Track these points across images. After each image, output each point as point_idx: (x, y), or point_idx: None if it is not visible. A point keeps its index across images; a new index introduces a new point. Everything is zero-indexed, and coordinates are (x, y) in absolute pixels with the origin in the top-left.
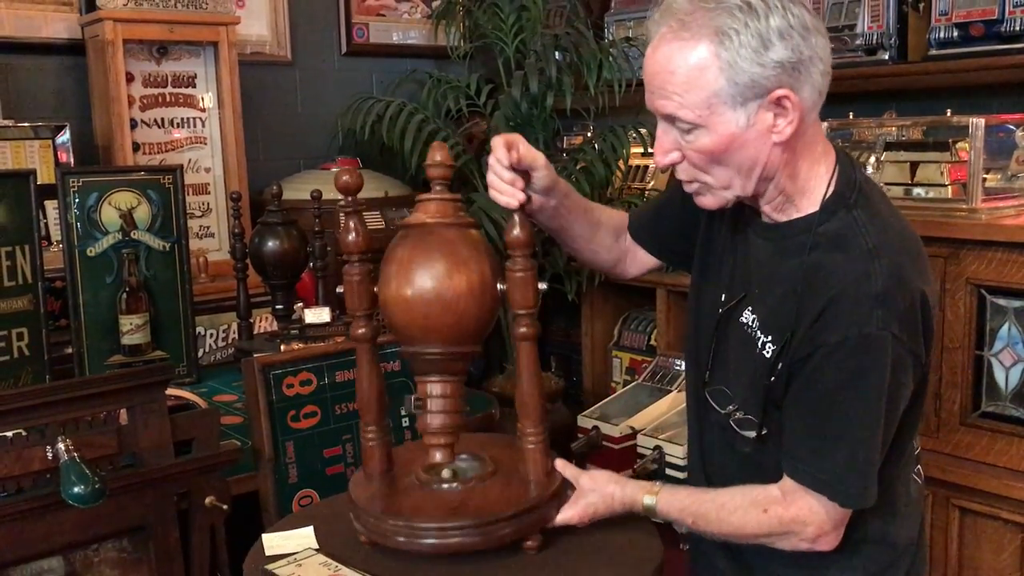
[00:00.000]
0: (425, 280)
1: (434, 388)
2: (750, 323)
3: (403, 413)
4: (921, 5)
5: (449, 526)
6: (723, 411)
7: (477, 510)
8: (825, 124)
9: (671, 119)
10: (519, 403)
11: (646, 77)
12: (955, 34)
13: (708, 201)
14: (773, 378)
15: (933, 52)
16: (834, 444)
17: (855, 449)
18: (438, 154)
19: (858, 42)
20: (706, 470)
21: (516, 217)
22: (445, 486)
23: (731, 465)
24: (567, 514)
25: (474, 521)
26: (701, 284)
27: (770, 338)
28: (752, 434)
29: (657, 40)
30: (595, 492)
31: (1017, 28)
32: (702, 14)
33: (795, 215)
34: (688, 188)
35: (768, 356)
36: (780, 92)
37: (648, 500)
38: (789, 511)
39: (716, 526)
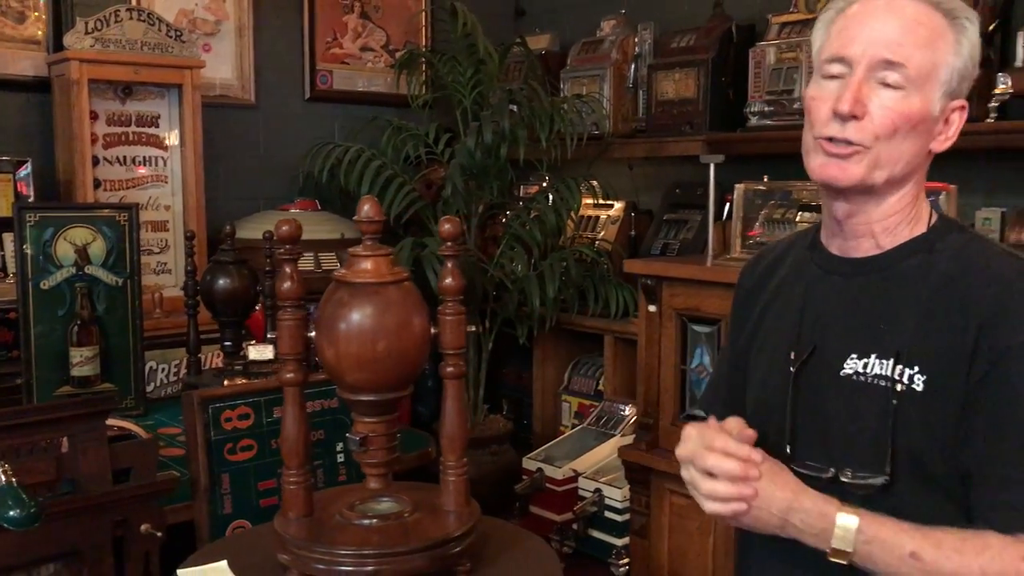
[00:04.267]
0: (363, 336)
1: (371, 427)
2: (865, 369)
3: (339, 449)
4: None
5: (367, 553)
6: (824, 476)
7: (393, 540)
8: (764, 182)
9: (890, 66)
10: (444, 437)
11: (863, 22)
12: None
13: (853, 169)
14: (928, 411)
15: None
16: None
17: None
18: (367, 207)
19: (795, 106)
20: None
21: (449, 265)
22: (366, 521)
23: None
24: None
25: (389, 550)
26: (755, 363)
27: (916, 368)
28: (879, 481)
29: None
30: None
31: None
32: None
33: (903, 239)
34: (835, 149)
35: (921, 388)
36: (962, 102)
37: (846, 516)
38: None
39: (953, 564)
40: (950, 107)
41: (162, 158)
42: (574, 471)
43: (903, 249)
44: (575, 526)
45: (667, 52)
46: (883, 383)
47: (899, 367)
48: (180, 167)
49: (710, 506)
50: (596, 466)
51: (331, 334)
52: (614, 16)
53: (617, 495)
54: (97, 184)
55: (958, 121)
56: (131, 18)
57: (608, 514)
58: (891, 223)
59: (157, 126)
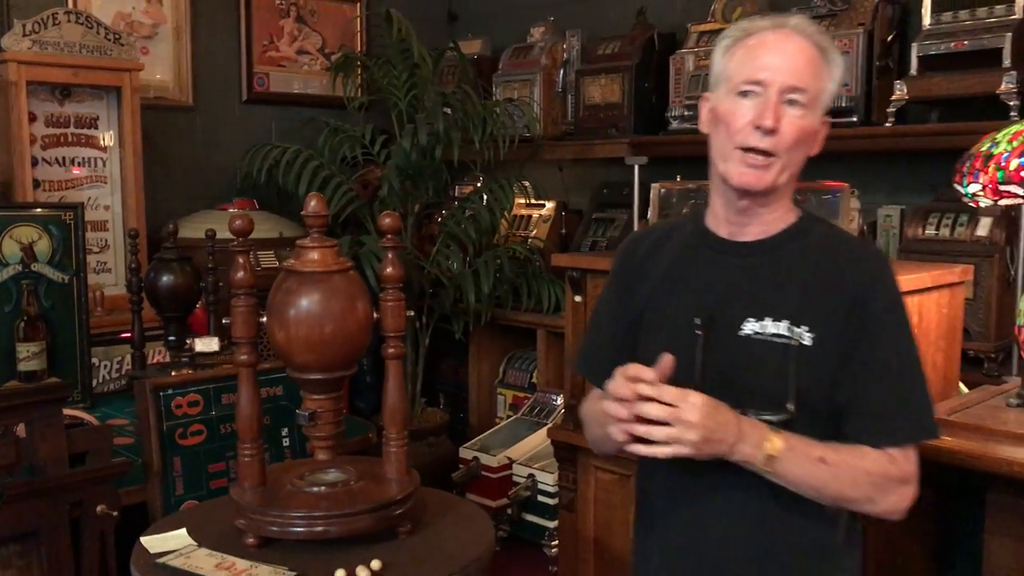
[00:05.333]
0: (311, 320)
1: (319, 403)
2: (761, 330)
3: (284, 434)
4: None
5: (316, 515)
6: None
7: (340, 503)
8: (678, 181)
9: (797, 91)
10: (387, 412)
11: (778, 58)
12: None
13: (767, 176)
14: (817, 362)
15: None
16: (917, 385)
17: (925, 383)
18: (314, 202)
19: None
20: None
21: (389, 256)
22: (315, 489)
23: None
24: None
25: (337, 512)
26: (651, 329)
27: (805, 328)
28: (781, 417)
29: (785, 31)
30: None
31: (843, 105)
32: (822, 35)
33: (781, 227)
34: (754, 160)
35: (810, 344)
36: (827, 118)
37: (773, 438)
38: (908, 466)
39: (848, 465)
40: (821, 121)
41: (101, 159)
42: (509, 459)
43: (784, 235)
44: (510, 511)
45: (594, 58)
46: (779, 339)
47: (792, 326)
48: (119, 168)
49: (656, 451)
50: (529, 453)
51: (282, 319)
52: (543, 23)
53: (549, 480)
54: (36, 185)
55: (824, 131)
56: (69, 21)
57: (541, 498)
58: (776, 215)
59: (96, 127)
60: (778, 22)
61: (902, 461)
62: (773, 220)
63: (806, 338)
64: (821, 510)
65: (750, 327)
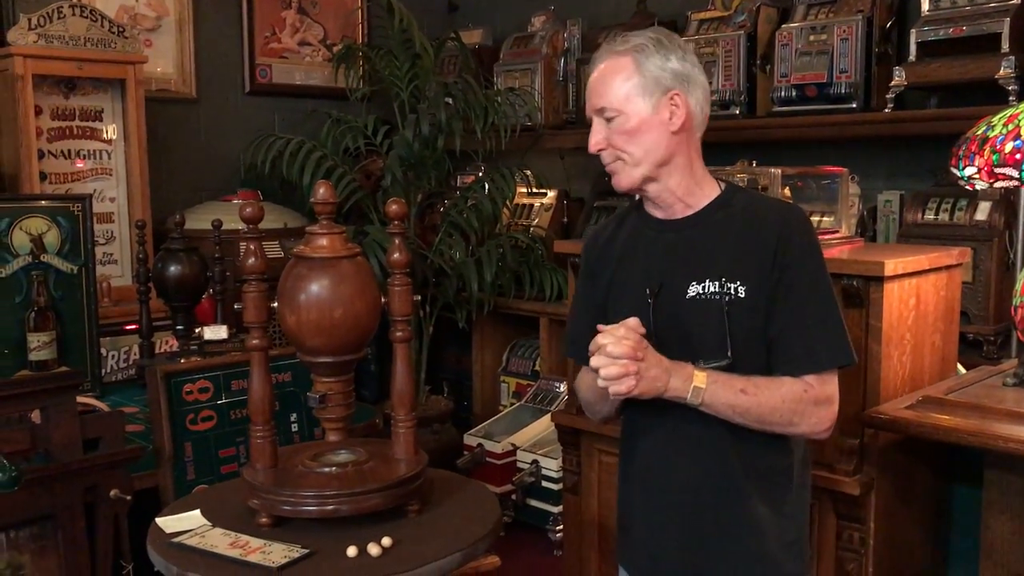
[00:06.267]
0: (322, 305)
1: (329, 386)
2: (703, 290)
3: (293, 419)
4: (768, 67)
5: (328, 494)
6: None
7: (351, 483)
8: None
9: (601, 111)
10: (395, 394)
11: (588, 89)
12: (793, 94)
13: (622, 179)
14: (750, 310)
15: (775, 109)
16: (831, 319)
17: (839, 316)
18: (323, 190)
19: (713, 98)
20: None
21: (396, 242)
22: (326, 469)
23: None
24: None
25: (348, 491)
26: (616, 303)
27: (738, 283)
28: (724, 362)
29: (598, 60)
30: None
31: (843, 92)
32: (629, 41)
33: (705, 201)
34: (609, 169)
35: (743, 296)
36: (674, 91)
37: (698, 374)
38: (825, 390)
39: (766, 394)
40: (667, 97)
41: (106, 151)
42: (513, 445)
43: (709, 208)
44: (514, 496)
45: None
46: (717, 296)
47: (727, 284)
48: (124, 160)
49: (615, 387)
50: (533, 439)
51: (292, 304)
52: (544, 12)
53: (553, 465)
54: (43, 178)
55: (667, 110)
56: (74, 14)
57: (545, 483)
58: (686, 189)
59: (100, 120)
60: (593, 60)
61: (818, 385)
62: (693, 198)
63: (741, 291)
64: (773, 437)
65: (693, 290)
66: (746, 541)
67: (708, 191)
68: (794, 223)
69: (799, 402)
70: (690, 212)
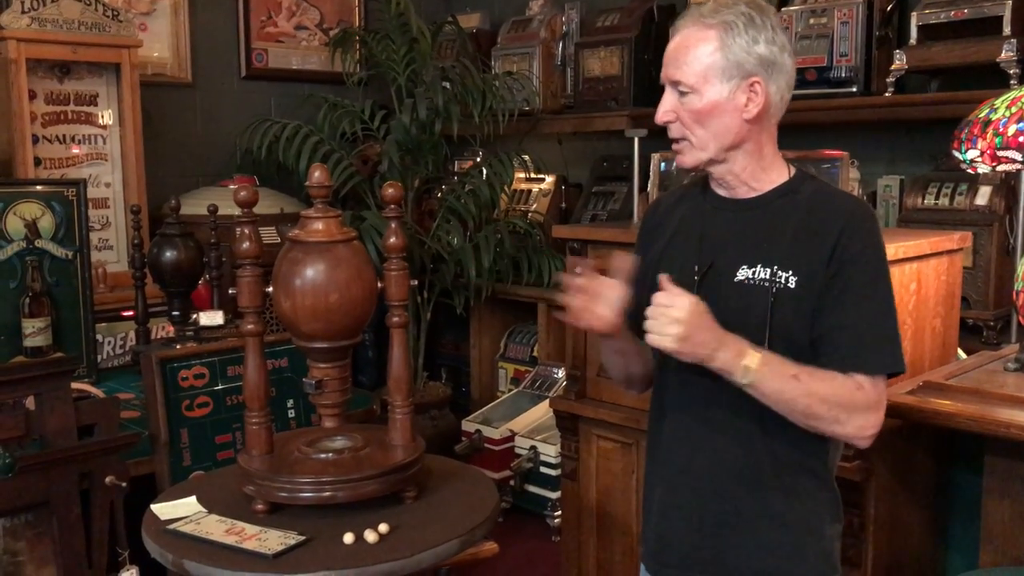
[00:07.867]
0: (317, 289)
1: (325, 371)
2: (752, 275)
3: (290, 405)
4: None
5: (324, 481)
6: None
7: (348, 469)
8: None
9: (676, 84)
10: (392, 380)
11: (666, 55)
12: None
13: (686, 158)
14: (797, 301)
15: None
16: (887, 324)
17: (895, 323)
18: (318, 173)
19: None
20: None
21: (392, 226)
22: (322, 455)
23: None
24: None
25: (344, 477)
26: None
27: (789, 272)
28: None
29: (681, 27)
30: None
31: (843, 75)
32: (719, 13)
33: (770, 186)
34: (674, 147)
35: (793, 287)
36: (755, 78)
37: (752, 352)
38: (876, 393)
39: (818, 384)
40: (746, 84)
41: (101, 136)
42: (511, 431)
43: (774, 192)
44: (512, 482)
45: (592, 31)
46: (765, 284)
47: (778, 272)
48: (119, 145)
49: (658, 340)
50: (531, 426)
51: (287, 288)
52: None
53: (551, 451)
54: (37, 163)
55: (760, 91)
56: None
57: (543, 469)
58: (747, 176)
59: (95, 105)
60: (682, 18)
61: (869, 388)
62: (758, 182)
63: (792, 282)
64: (803, 434)
65: (743, 273)
66: (761, 534)
67: (776, 176)
68: (860, 218)
69: (850, 401)
70: (753, 195)
